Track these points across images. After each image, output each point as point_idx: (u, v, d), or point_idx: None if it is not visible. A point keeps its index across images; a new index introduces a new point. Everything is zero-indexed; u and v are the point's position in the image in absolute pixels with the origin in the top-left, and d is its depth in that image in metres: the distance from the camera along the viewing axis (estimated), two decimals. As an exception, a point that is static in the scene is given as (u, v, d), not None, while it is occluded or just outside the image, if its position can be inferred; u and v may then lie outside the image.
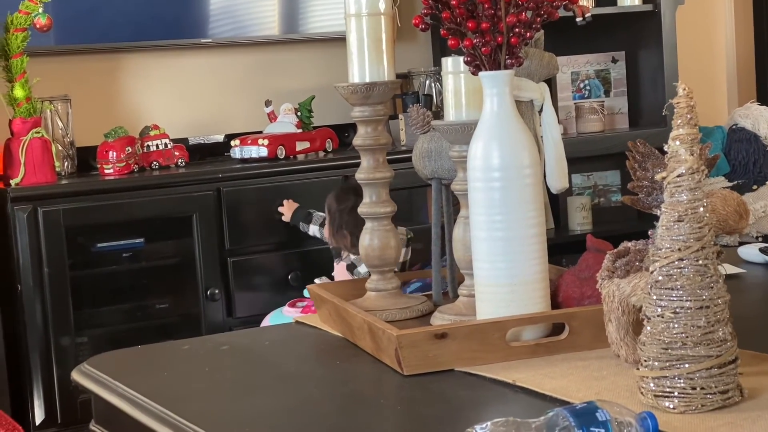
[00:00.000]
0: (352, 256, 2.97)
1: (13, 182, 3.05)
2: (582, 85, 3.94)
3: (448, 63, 1.66)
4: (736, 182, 3.89)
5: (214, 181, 3.24)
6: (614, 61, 3.97)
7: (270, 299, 3.16)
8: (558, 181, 1.71)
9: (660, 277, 1.22)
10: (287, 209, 3.21)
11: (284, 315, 2.99)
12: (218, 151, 3.62)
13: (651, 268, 1.24)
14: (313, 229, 3.16)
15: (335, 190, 3.06)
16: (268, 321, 3.02)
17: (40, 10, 3.06)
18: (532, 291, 1.50)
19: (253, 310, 3.16)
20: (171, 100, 3.63)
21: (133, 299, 3.33)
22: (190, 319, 3.28)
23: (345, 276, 2.94)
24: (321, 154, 3.53)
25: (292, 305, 3.01)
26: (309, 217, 3.18)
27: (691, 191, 1.22)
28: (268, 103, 3.55)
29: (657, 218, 1.27)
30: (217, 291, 3.21)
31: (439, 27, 1.56)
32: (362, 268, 2.93)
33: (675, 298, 1.21)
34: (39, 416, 3.00)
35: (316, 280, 2.99)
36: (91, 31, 3.44)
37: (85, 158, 3.33)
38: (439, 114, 3.46)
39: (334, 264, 3.06)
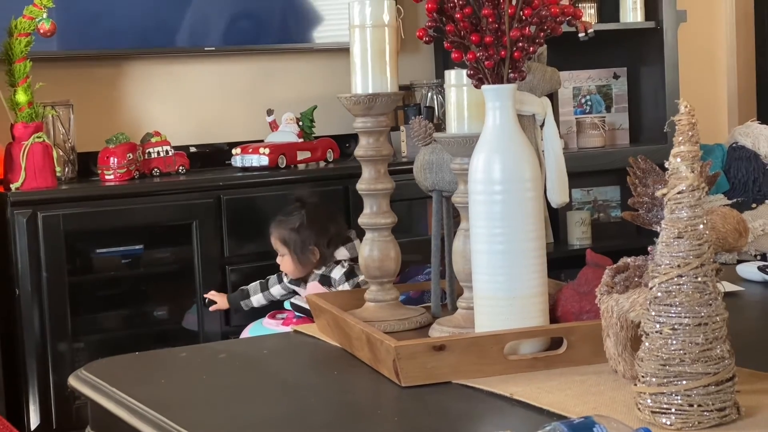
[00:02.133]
0: (324, 268, 2.94)
1: (13, 186, 3.05)
2: (583, 101, 3.95)
3: (451, 76, 1.66)
4: (735, 200, 3.89)
5: (215, 189, 3.24)
6: (616, 77, 3.98)
7: (266, 309, 3.15)
8: (558, 196, 1.71)
9: (659, 294, 1.23)
10: (218, 298, 3.14)
11: (264, 327, 2.97)
12: (219, 159, 3.62)
13: (650, 284, 1.24)
14: (258, 298, 3.10)
15: (275, 222, 3.00)
16: (248, 333, 3.00)
17: (44, 15, 3.07)
18: (530, 305, 1.50)
19: (250, 319, 3.15)
20: (173, 107, 3.63)
21: (131, 306, 3.33)
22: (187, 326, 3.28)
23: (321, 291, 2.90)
24: (322, 164, 3.53)
25: (272, 317, 3.00)
26: (244, 292, 3.12)
27: (692, 208, 1.22)
28: (269, 112, 3.56)
29: (657, 234, 1.27)
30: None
31: (443, 40, 1.57)
32: (335, 273, 2.91)
33: (673, 315, 1.21)
34: (34, 421, 3.00)
35: (294, 300, 2.98)
36: (95, 37, 3.45)
37: (86, 164, 3.34)
38: (440, 126, 3.47)
39: (299, 292, 3.02)
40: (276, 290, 3.11)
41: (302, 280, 3.01)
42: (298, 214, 2.97)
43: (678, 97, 3.64)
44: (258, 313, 3.12)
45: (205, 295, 3.16)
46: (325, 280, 2.93)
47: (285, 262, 2.98)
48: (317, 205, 3.03)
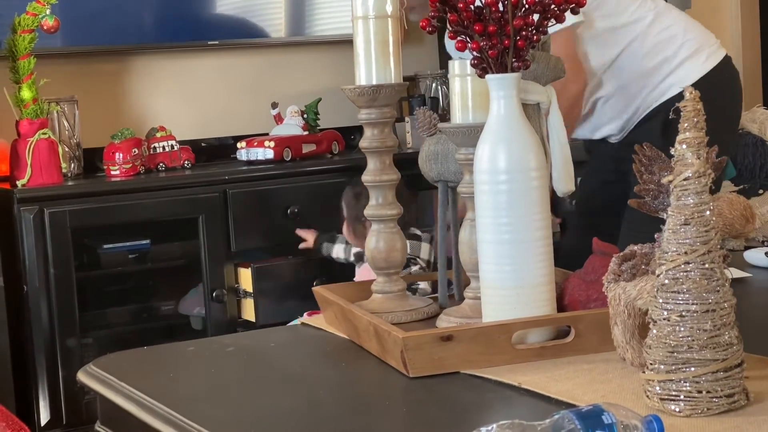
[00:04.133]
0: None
1: (19, 183, 3.06)
2: (588, 89, 3.94)
3: (455, 66, 1.66)
4: (742, 186, 3.88)
5: (221, 183, 3.24)
6: (621, 64, 3.96)
7: (273, 301, 3.16)
8: (564, 185, 1.70)
9: (666, 281, 1.22)
10: (309, 236, 3.16)
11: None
12: (224, 152, 3.63)
13: (657, 272, 1.24)
14: (338, 249, 3.10)
15: (351, 188, 3.03)
16: None
17: (48, 11, 3.07)
18: (537, 294, 1.50)
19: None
20: (177, 101, 3.63)
21: (139, 300, 3.33)
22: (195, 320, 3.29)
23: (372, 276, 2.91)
24: (327, 156, 3.53)
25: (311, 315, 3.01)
26: (333, 238, 3.13)
27: (698, 195, 1.22)
28: (274, 105, 3.56)
29: (663, 222, 1.27)
30: (223, 292, 3.21)
31: (446, 29, 1.56)
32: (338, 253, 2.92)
33: (681, 302, 1.21)
34: (44, 417, 3.01)
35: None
36: (98, 32, 3.45)
37: (92, 159, 3.34)
38: (445, 117, 3.47)
39: (356, 269, 3.02)
40: (338, 248, 3.10)
41: (361, 259, 3.01)
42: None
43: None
44: (281, 304, 3.11)
45: (297, 231, 3.15)
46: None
47: (344, 224, 3.03)
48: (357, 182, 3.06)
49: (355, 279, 3.01)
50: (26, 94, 3.07)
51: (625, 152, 2.53)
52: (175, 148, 3.37)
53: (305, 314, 3.01)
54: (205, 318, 3.23)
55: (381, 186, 1.74)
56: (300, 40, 3.77)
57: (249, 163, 3.39)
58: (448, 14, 1.54)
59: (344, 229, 3.02)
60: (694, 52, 2.51)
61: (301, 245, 3.15)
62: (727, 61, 2.58)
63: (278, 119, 3.55)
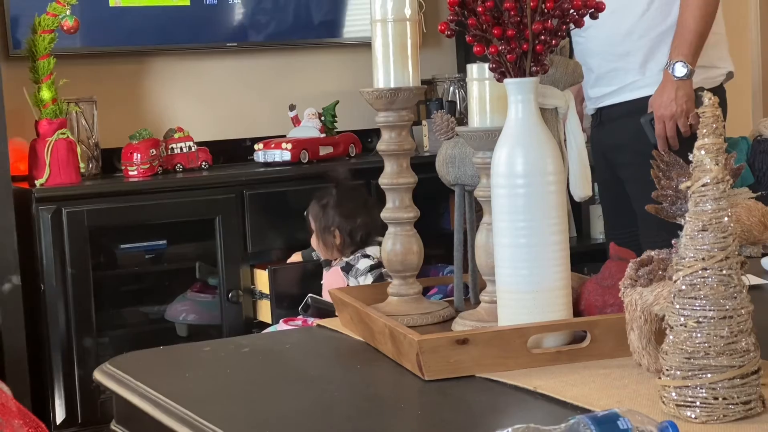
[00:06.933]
0: (351, 257, 2.94)
1: (38, 183, 3.07)
2: (606, 94, 3.92)
3: (473, 70, 1.66)
4: (760, 193, 3.86)
5: (237, 184, 3.25)
6: (639, 69, 3.94)
7: (289, 303, 3.16)
8: (581, 189, 1.70)
9: (683, 287, 1.22)
10: (296, 257, 3.20)
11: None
12: (242, 154, 3.64)
13: (674, 278, 1.24)
14: (364, 263, 2.97)
15: (317, 201, 3.04)
16: None
17: (68, 12, 3.09)
18: (554, 298, 1.50)
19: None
20: (195, 103, 3.65)
21: (155, 300, 3.34)
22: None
23: (339, 281, 2.90)
24: (344, 158, 3.54)
25: (286, 322, 3.00)
26: (312, 251, 3.16)
27: (716, 201, 1.21)
28: (292, 108, 3.57)
29: (681, 227, 1.26)
30: (239, 293, 3.22)
31: (465, 34, 1.56)
32: (360, 264, 2.89)
33: (698, 308, 1.21)
34: (60, 415, 3.02)
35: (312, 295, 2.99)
36: (118, 33, 3.47)
37: (110, 160, 3.36)
38: (462, 121, 3.46)
39: (324, 273, 3.02)
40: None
41: (328, 263, 3.01)
42: (330, 192, 2.98)
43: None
44: (296, 307, 3.12)
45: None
46: (348, 268, 2.92)
47: (312, 237, 3.00)
48: (351, 190, 3.02)
49: (322, 281, 3.00)
50: (45, 94, 3.09)
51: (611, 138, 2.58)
52: (193, 149, 3.38)
53: (281, 321, 3.01)
54: (221, 321, 3.24)
55: (398, 189, 1.74)
56: (318, 43, 3.78)
57: (266, 164, 3.40)
58: (467, 18, 1.54)
59: (313, 241, 3.01)
60: (717, 62, 2.61)
61: (289, 260, 3.18)
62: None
63: (296, 121, 3.56)
